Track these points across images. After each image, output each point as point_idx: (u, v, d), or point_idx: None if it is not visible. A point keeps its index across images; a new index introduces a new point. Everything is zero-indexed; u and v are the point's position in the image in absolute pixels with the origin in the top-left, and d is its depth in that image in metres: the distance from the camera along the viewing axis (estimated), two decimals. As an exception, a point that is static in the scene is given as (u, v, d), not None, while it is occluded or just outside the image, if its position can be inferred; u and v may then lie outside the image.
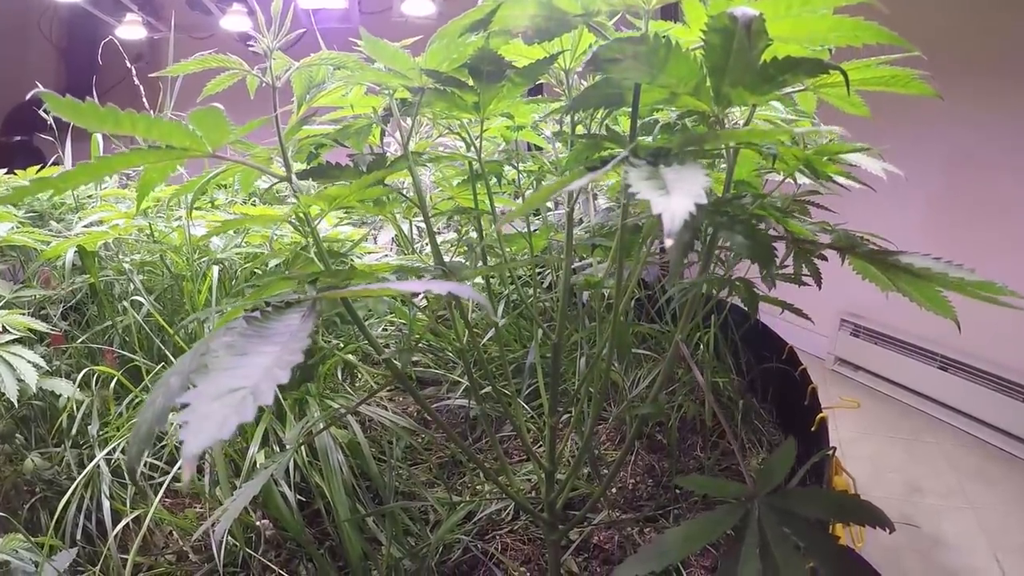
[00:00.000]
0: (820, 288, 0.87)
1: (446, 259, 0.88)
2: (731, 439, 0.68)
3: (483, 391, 1.37)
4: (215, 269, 1.33)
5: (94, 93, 0.76)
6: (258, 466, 1.05)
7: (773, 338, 1.64)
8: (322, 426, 0.95)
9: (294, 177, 0.68)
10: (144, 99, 1.43)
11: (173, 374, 0.43)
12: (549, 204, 1.34)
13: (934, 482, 2.32)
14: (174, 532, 1.18)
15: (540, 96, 0.91)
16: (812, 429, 1.15)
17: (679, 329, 0.76)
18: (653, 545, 0.58)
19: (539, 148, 1.09)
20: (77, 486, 1.08)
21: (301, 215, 0.65)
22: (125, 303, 1.51)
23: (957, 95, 2.53)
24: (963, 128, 2.62)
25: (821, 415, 1.18)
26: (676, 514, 1.14)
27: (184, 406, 0.34)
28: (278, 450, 1.12)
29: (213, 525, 0.98)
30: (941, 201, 2.79)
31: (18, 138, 4.81)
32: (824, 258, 0.85)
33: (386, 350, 0.71)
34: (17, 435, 1.24)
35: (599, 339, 0.89)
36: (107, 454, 1.13)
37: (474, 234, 1.09)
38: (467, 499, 1.10)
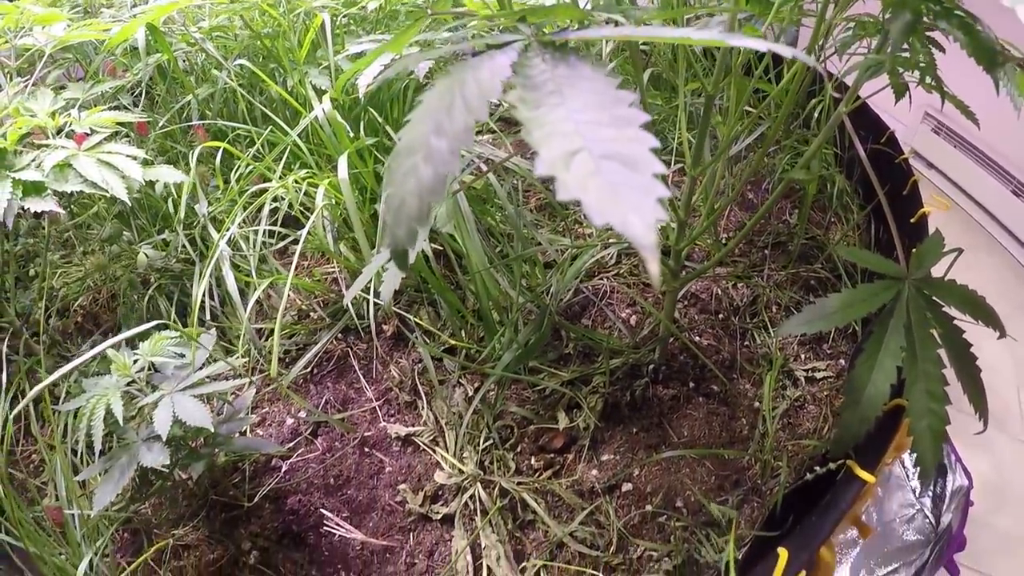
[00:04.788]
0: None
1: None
2: (884, 209, 0.74)
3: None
4: (324, 15, 1.23)
5: None
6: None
7: (874, 119, 1.61)
8: (470, 173, 0.99)
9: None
10: None
11: (431, 134, 0.34)
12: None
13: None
14: (290, 293, 1.19)
15: None
16: (912, 220, 1.19)
17: (847, 100, 0.74)
18: (816, 308, 0.68)
19: None
20: (205, 266, 1.06)
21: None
22: (200, 74, 1.45)
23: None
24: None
25: (923, 210, 1.20)
26: (768, 274, 1.25)
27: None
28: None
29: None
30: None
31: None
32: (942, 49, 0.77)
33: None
34: (125, 232, 1.25)
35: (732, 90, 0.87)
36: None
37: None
38: (586, 243, 1.21)
